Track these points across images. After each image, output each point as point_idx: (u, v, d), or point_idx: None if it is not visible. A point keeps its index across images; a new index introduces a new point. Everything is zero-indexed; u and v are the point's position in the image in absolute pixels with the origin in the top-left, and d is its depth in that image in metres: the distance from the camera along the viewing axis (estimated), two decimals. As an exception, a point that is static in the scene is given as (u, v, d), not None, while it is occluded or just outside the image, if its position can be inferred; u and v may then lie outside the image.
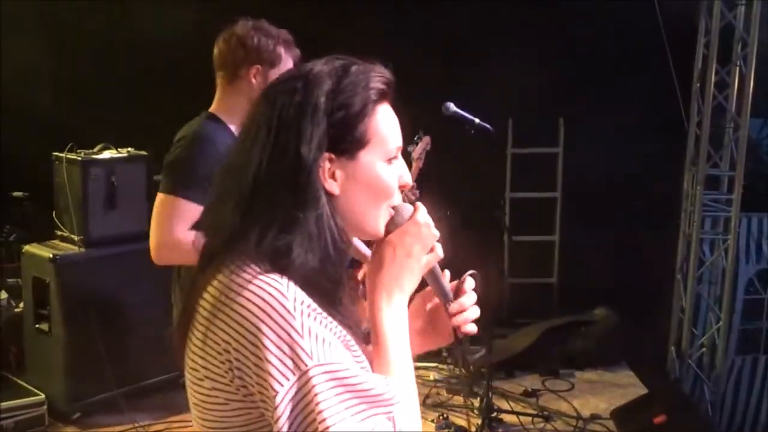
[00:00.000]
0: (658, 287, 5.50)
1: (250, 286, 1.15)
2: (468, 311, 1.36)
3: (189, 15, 4.86)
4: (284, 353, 1.12)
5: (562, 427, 4.29)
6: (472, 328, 1.37)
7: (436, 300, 1.42)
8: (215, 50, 2.59)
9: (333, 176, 1.24)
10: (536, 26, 5.19)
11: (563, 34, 5.25)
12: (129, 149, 4.45)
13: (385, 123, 1.28)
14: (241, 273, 1.18)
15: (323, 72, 1.25)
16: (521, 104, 5.05)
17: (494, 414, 4.20)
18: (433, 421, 4.20)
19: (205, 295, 1.21)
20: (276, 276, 1.16)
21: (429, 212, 1.34)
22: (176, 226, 2.35)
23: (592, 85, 5.15)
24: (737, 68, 5.26)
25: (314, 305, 1.17)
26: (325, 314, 1.19)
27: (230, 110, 2.55)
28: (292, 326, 1.12)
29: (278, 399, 1.11)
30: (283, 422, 1.11)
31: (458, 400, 4.53)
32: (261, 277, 1.16)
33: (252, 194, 1.21)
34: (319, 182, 1.21)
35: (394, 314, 1.27)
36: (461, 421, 4.25)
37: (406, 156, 3.10)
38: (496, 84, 4.77)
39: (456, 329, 1.37)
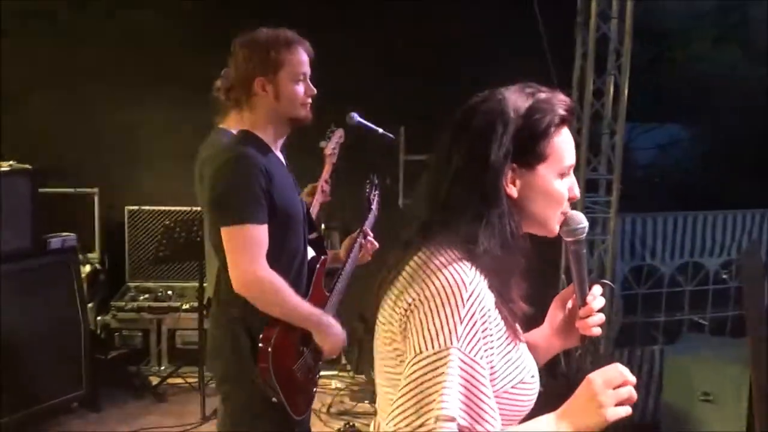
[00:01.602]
0: (545, 287, 5.73)
1: (446, 270, 1.42)
2: (595, 316, 1.59)
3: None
4: (443, 328, 1.36)
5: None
6: (597, 332, 1.61)
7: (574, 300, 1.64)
8: (231, 67, 2.64)
9: (514, 183, 1.50)
10: (425, 39, 5.32)
11: (451, 46, 5.39)
12: (11, 162, 4.24)
13: (562, 144, 1.53)
14: (439, 255, 1.45)
15: (515, 96, 1.51)
16: (412, 112, 5.15)
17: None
18: (339, 429, 4.22)
19: (406, 268, 1.47)
20: (467, 264, 1.43)
21: None
22: (254, 257, 2.37)
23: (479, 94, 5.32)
24: (612, 78, 5.59)
25: (488, 306, 1.41)
26: (495, 316, 1.43)
27: (260, 126, 2.59)
28: (459, 313, 1.37)
29: (415, 359, 1.36)
30: (408, 380, 1.36)
31: (363, 407, 4.57)
32: (455, 264, 1.43)
33: (448, 193, 1.48)
34: (502, 186, 1.47)
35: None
36: (367, 429, 4.29)
37: (318, 152, 3.14)
38: (386, 92, 4.86)
39: (583, 330, 1.59)
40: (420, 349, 1.36)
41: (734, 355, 5.56)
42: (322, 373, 4.64)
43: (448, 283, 1.39)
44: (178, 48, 5.26)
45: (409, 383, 1.35)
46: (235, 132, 3.41)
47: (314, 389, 2.71)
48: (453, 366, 1.33)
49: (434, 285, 1.39)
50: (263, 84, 2.54)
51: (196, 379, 4.77)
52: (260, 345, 2.44)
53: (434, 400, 1.32)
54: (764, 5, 6.86)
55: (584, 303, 1.59)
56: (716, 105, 7.51)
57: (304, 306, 2.52)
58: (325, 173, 3.21)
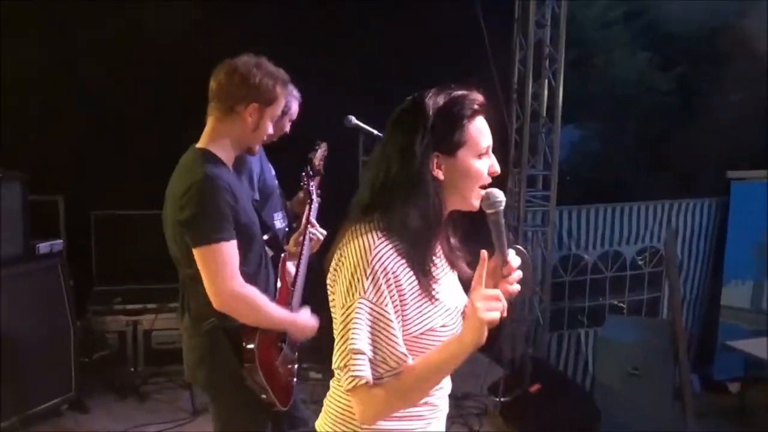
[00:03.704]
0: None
1: (359, 238, 1.72)
2: (514, 273, 1.81)
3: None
4: (354, 283, 1.69)
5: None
6: (517, 288, 1.82)
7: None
8: (213, 83, 2.60)
9: (439, 167, 1.76)
10: (375, 41, 5.58)
11: (401, 49, 5.67)
12: (-1, 168, 4.24)
13: (476, 130, 1.79)
14: (360, 228, 1.75)
15: (434, 96, 1.78)
16: (369, 112, 5.39)
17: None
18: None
19: (343, 238, 1.78)
20: (377, 234, 1.72)
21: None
22: (229, 275, 2.45)
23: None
24: (546, 81, 6.05)
25: (395, 265, 1.70)
26: (405, 275, 1.72)
27: (222, 145, 2.60)
28: (365, 271, 1.68)
29: (340, 310, 1.70)
30: (338, 326, 1.70)
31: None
32: (367, 234, 1.72)
33: (383, 181, 1.75)
34: (427, 172, 1.74)
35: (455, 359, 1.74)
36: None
37: (308, 162, 3.26)
38: (343, 93, 5.08)
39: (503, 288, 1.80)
40: (342, 302, 1.70)
41: (656, 332, 6.14)
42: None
43: (358, 248, 1.70)
44: (144, 51, 5.33)
45: (339, 329, 1.70)
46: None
47: (294, 379, 2.85)
48: (361, 312, 1.66)
49: (350, 250, 1.72)
50: (253, 110, 2.57)
51: (178, 377, 4.90)
52: (245, 346, 2.57)
53: (348, 339, 1.66)
54: (674, 16, 7.51)
55: (506, 262, 1.79)
56: (625, 106, 8.15)
57: (278, 312, 2.64)
58: (316, 183, 3.23)
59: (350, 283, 1.69)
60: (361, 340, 1.66)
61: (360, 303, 1.67)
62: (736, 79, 7.82)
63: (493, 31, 5.75)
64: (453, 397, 4.63)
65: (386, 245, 1.71)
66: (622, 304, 7.34)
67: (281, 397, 2.69)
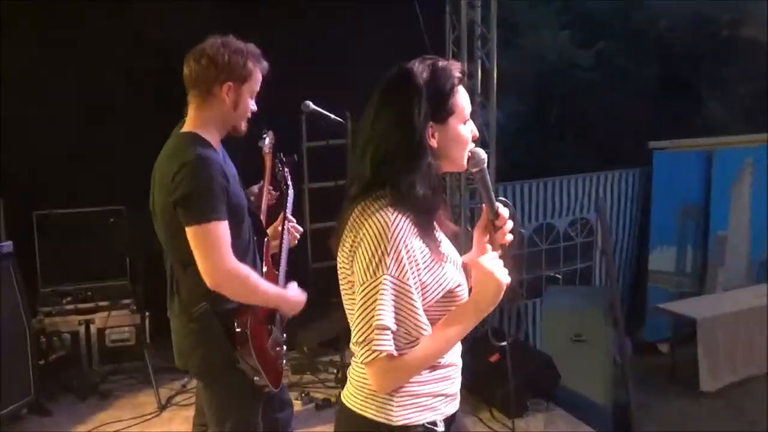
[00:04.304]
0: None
1: (375, 216, 1.76)
2: (507, 224, 1.92)
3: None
4: (375, 260, 1.73)
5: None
6: (510, 238, 1.92)
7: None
8: (186, 70, 2.60)
9: (433, 136, 1.82)
10: (306, 30, 5.59)
11: (333, 32, 5.69)
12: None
13: (462, 99, 1.87)
14: (371, 205, 1.78)
15: (419, 68, 1.82)
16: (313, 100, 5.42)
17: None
18: (296, 398, 4.49)
19: (349, 219, 1.81)
20: (391, 210, 1.76)
21: None
22: (225, 253, 2.46)
23: (370, 82, 5.68)
24: (479, 62, 6.18)
25: (410, 238, 1.75)
26: (419, 246, 1.77)
27: (207, 128, 2.59)
28: (386, 247, 1.73)
29: (360, 287, 1.74)
30: (358, 303, 1.73)
31: (308, 377, 4.87)
32: (381, 210, 1.76)
33: (383, 154, 1.79)
34: (425, 142, 1.80)
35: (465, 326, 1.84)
36: (321, 395, 4.61)
37: (258, 150, 3.26)
38: (286, 83, 5.09)
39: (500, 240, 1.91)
40: (362, 279, 1.74)
41: (594, 300, 6.40)
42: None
43: (375, 226, 1.74)
44: (77, 48, 5.20)
45: (359, 306, 1.73)
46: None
47: (283, 362, 2.90)
48: (386, 288, 1.71)
49: (366, 229, 1.75)
50: (229, 90, 2.58)
51: (137, 373, 4.87)
52: (238, 330, 2.60)
53: (373, 316, 1.70)
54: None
55: (497, 214, 1.91)
56: (550, 84, 8.39)
57: (270, 288, 2.70)
58: (268, 172, 3.21)
59: (371, 260, 1.73)
60: (387, 316, 1.71)
61: (384, 279, 1.71)
62: (652, 55, 8.17)
63: (427, 14, 5.83)
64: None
65: (401, 219, 1.76)
66: (558, 275, 7.59)
67: (273, 379, 2.72)
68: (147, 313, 4.96)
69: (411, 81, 1.80)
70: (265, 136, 3.31)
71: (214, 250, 2.45)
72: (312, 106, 3.96)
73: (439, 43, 6.05)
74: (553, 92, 8.54)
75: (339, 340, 4.75)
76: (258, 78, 2.65)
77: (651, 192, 7.63)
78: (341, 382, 4.57)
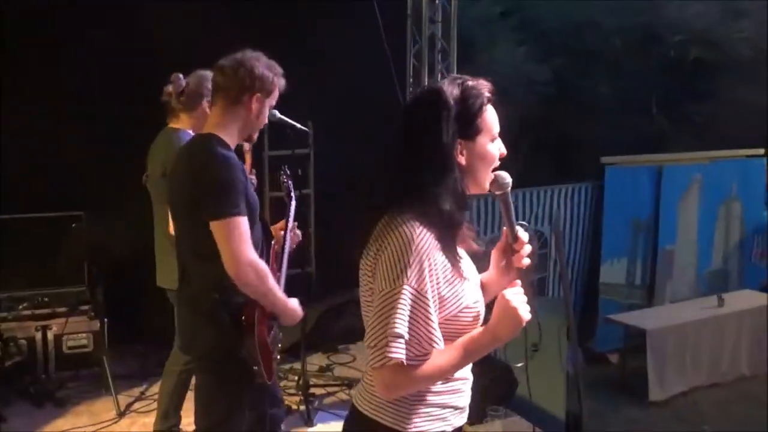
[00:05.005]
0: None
1: (400, 228, 1.80)
2: (525, 247, 1.98)
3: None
4: (396, 270, 1.77)
5: (364, 391, 4.86)
6: (527, 262, 1.98)
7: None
8: (218, 75, 2.81)
9: (461, 153, 1.88)
10: (281, 37, 5.64)
11: (300, 47, 5.76)
12: None
13: (491, 117, 1.93)
14: (396, 217, 1.83)
15: (448, 87, 1.89)
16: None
17: (309, 389, 4.64)
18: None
19: (375, 229, 1.87)
20: (416, 223, 1.81)
21: None
22: (248, 246, 2.62)
23: (334, 92, 5.75)
24: (439, 75, 6.30)
25: (433, 252, 1.80)
26: (441, 260, 1.82)
27: (228, 132, 2.78)
28: (408, 259, 1.77)
29: (380, 294, 1.78)
30: (376, 309, 1.78)
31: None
32: (407, 223, 1.80)
33: (412, 170, 1.85)
34: (453, 158, 1.86)
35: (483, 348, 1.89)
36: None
37: (238, 149, 3.40)
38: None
39: (517, 263, 1.98)
40: (382, 287, 1.78)
41: (551, 310, 6.50)
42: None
43: (400, 237, 1.78)
44: (37, 51, 5.17)
45: (375, 312, 1.78)
46: (191, 132, 3.65)
47: (278, 358, 3.02)
48: (404, 298, 1.75)
49: (391, 239, 1.80)
50: (257, 100, 2.79)
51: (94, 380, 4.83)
52: (245, 322, 2.75)
53: (389, 323, 1.74)
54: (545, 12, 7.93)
55: (516, 238, 1.97)
56: (506, 98, 8.50)
57: (279, 292, 2.85)
58: (248, 166, 3.48)
59: (392, 269, 1.77)
60: (403, 325, 1.75)
61: (404, 289, 1.75)
62: (604, 73, 8.37)
63: (389, 29, 5.92)
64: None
65: (425, 233, 1.80)
66: (513, 286, 7.66)
67: (268, 372, 2.85)
68: (105, 320, 4.93)
69: (441, 98, 1.86)
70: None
71: (237, 242, 2.61)
72: (278, 114, 3.99)
73: (401, 57, 6.16)
74: (509, 106, 8.69)
75: (299, 347, 4.78)
76: (276, 94, 2.89)
77: (603, 206, 7.78)
78: (302, 389, 4.59)
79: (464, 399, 1.99)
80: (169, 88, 3.67)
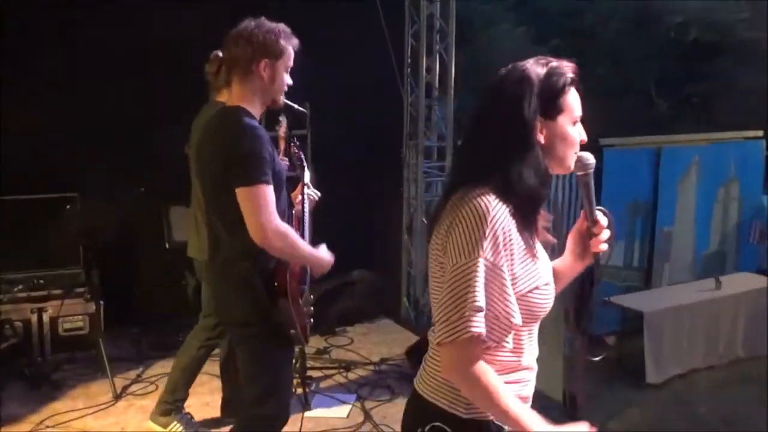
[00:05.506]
0: (393, 248, 6.30)
1: (474, 200, 1.78)
2: (604, 232, 1.97)
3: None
4: (470, 243, 1.75)
5: (362, 372, 4.87)
6: (605, 247, 1.98)
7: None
8: (225, 53, 2.90)
9: (542, 132, 1.86)
10: (277, 16, 5.58)
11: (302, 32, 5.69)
12: None
13: (573, 99, 1.91)
14: (471, 191, 1.81)
15: (533, 66, 1.89)
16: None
17: (306, 373, 4.63)
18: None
19: (449, 202, 1.85)
20: (492, 196, 1.79)
21: None
22: (273, 213, 2.67)
23: (332, 73, 5.69)
24: (438, 56, 6.25)
25: (509, 226, 1.79)
26: (515, 236, 1.80)
27: (251, 102, 2.85)
28: (483, 231, 1.75)
29: (452, 268, 1.75)
30: (448, 283, 1.75)
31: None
32: (481, 196, 1.78)
33: (493, 145, 1.85)
34: (534, 135, 1.85)
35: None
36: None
37: (274, 136, 3.42)
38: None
39: (595, 247, 1.98)
40: (455, 260, 1.75)
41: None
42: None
43: (475, 209, 1.76)
44: (23, 34, 5.13)
45: (448, 286, 1.74)
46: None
47: (311, 320, 3.09)
48: (480, 271, 1.72)
49: (464, 212, 1.77)
50: (265, 66, 2.83)
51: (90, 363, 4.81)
52: (278, 287, 2.82)
53: (467, 297, 1.71)
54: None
55: (595, 222, 1.96)
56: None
57: (308, 247, 2.94)
58: (281, 151, 3.52)
59: (467, 242, 1.74)
60: (480, 298, 1.72)
61: (479, 261, 1.72)
62: (603, 54, 8.31)
63: (387, 8, 5.88)
64: (370, 363, 4.84)
65: (502, 206, 1.78)
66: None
67: (303, 334, 2.95)
68: (101, 302, 4.92)
69: (524, 75, 1.85)
70: (281, 120, 3.67)
71: (263, 209, 2.67)
72: (279, 96, 3.97)
73: (399, 37, 6.11)
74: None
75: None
76: (291, 54, 2.92)
77: (601, 188, 7.76)
78: (299, 372, 4.58)
79: (527, 389, 1.94)
80: (207, 66, 3.83)
